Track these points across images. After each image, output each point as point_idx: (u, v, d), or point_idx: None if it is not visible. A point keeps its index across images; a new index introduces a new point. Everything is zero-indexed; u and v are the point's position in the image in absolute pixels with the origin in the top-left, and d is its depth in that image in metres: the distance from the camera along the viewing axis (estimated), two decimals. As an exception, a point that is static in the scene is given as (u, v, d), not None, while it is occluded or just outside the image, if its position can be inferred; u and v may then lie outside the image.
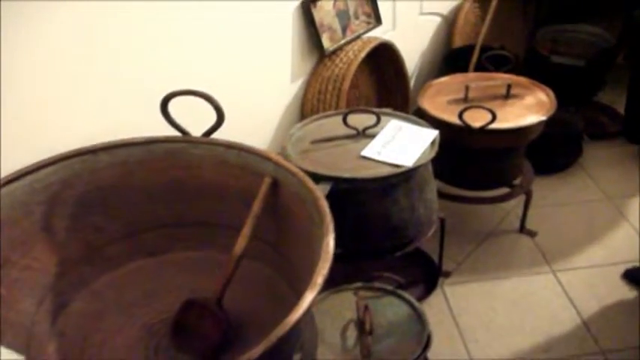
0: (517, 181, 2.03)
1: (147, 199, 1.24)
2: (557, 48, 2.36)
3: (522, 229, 2.17)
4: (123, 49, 1.34)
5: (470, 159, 1.89)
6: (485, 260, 2.10)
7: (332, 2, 1.96)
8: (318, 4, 1.91)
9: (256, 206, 1.11)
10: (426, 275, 2.03)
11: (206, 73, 1.59)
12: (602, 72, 2.45)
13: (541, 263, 2.07)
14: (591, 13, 2.67)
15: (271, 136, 1.96)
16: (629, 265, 1.99)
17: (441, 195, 1.98)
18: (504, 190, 2.03)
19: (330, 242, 0.96)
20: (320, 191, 1.06)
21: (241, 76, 1.74)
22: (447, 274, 2.04)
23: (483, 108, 1.64)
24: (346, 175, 1.45)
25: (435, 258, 2.00)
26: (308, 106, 2.02)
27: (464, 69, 2.33)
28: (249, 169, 1.19)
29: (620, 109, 2.72)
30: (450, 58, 2.42)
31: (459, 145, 1.80)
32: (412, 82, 2.51)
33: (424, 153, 1.51)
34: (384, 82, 2.31)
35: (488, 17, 2.41)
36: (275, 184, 1.14)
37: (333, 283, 1.46)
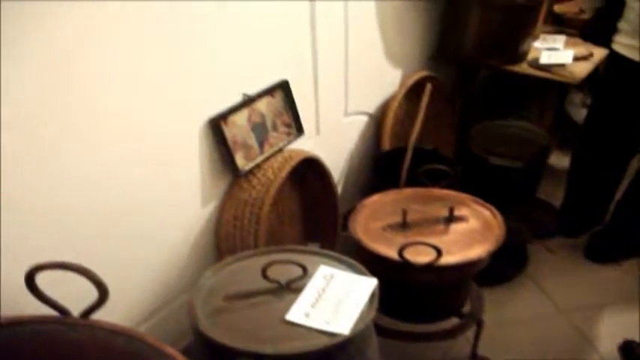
0: (466, 309, 1.79)
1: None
2: (493, 148, 2.20)
3: (474, 357, 1.92)
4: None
5: (412, 293, 1.64)
6: (436, 400, 1.83)
7: (246, 116, 1.71)
8: (230, 119, 1.65)
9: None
10: None
11: (99, 211, 1.34)
12: (541, 170, 2.31)
13: (499, 399, 1.82)
14: (520, 108, 2.57)
15: (178, 275, 1.67)
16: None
17: (380, 331, 1.72)
18: (453, 321, 1.77)
19: None
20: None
21: (142, 207, 1.47)
22: (395, 422, 1.74)
23: (427, 245, 1.41)
24: (269, 350, 1.16)
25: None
26: (223, 232, 1.74)
27: (396, 174, 2.12)
28: (143, 360, 0.95)
29: (557, 203, 2.58)
30: (380, 162, 2.22)
31: (400, 280, 1.55)
32: (340, 189, 2.29)
33: (362, 313, 1.24)
34: (310, 194, 2.06)
35: (419, 118, 2.24)
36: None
37: None
